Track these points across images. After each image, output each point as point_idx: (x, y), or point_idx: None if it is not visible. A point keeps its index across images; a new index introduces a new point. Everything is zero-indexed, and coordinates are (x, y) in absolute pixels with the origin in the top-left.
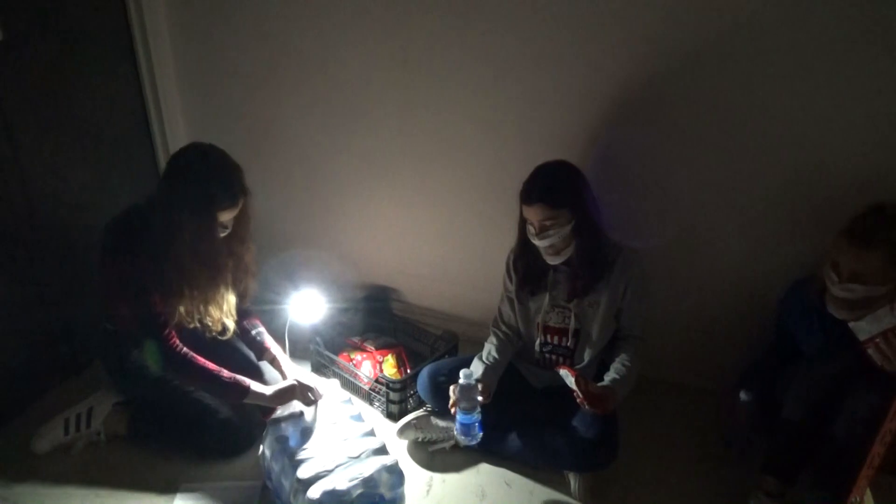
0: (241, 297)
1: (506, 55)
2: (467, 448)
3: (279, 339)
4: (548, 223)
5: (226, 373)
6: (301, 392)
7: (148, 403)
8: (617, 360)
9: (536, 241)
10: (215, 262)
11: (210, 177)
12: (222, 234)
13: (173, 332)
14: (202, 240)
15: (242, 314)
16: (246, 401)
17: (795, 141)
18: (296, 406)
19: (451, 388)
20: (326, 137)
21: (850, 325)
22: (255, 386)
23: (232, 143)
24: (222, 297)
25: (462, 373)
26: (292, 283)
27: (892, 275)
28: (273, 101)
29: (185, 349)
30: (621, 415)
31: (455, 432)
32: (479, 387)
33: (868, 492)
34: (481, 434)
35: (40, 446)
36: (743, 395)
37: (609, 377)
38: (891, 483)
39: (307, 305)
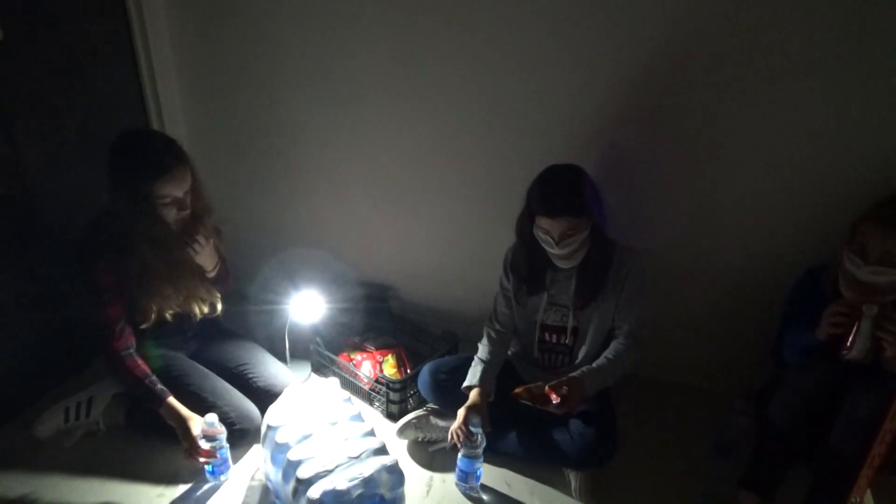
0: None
1: (507, 56)
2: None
3: (279, 339)
4: (570, 232)
5: (149, 380)
6: (190, 441)
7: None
8: (603, 353)
9: (555, 251)
10: (160, 240)
11: (133, 150)
12: (178, 211)
13: (115, 332)
14: (140, 218)
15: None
16: (160, 411)
17: (796, 138)
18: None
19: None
20: (327, 137)
21: (847, 356)
22: (172, 401)
23: (232, 142)
24: (189, 276)
25: (471, 422)
26: (292, 283)
27: None
28: (273, 101)
29: (124, 351)
30: (621, 413)
31: (454, 478)
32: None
33: (868, 492)
34: (479, 484)
35: (40, 432)
36: (737, 403)
37: (583, 368)
38: (891, 483)
39: (307, 305)
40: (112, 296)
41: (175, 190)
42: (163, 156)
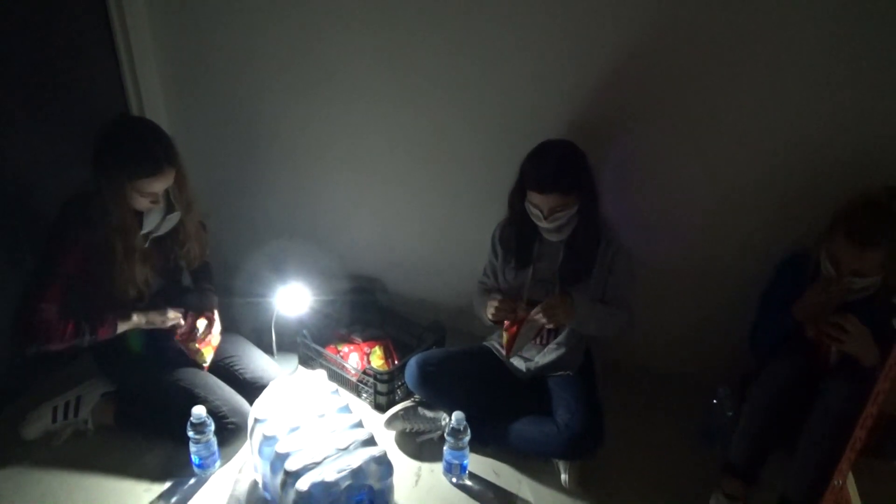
0: (188, 262)
1: (495, 50)
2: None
3: (266, 331)
4: (559, 208)
5: (88, 324)
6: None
7: (136, 393)
8: None
9: (544, 224)
10: (125, 231)
11: (128, 142)
12: (151, 203)
13: (42, 307)
14: (114, 207)
15: (197, 276)
16: (124, 325)
17: (781, 129)
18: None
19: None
20: (313, 130)
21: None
22: (125, 317)
23: (215, 135)
24: (129, 266)
25: (454, 416)
26: (279, 276)
27: (891, 265)
28: (258, 94)
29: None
30: (607, 402)
31: (442, 467)
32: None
33: (850, 474)
34: (466, 474)
35: (28, 432)
36: (720, 391)
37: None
38: (872, 466)
39: (294, 298)
40: (62, 278)
41: (159, 188)
42: (157, 155)
